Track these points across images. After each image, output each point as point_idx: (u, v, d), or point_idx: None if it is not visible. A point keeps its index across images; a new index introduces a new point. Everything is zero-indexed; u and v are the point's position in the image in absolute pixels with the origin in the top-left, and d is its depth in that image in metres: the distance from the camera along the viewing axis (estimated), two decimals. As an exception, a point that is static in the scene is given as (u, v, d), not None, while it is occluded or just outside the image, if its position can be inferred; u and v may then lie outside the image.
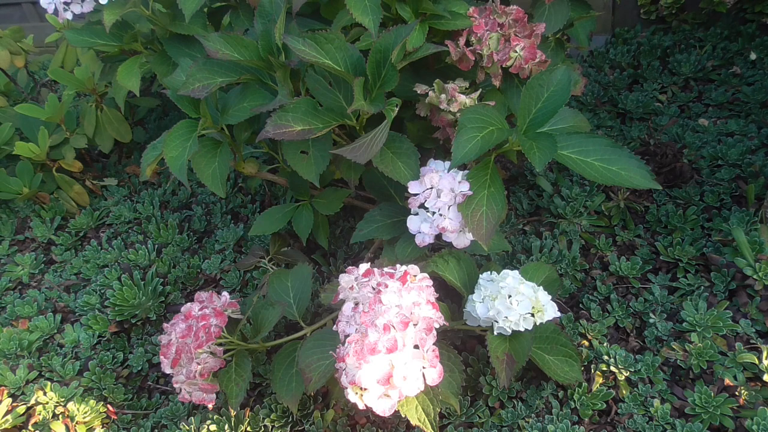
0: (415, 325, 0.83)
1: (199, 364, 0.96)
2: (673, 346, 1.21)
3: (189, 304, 1.05)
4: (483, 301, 0.97)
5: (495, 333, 0.98)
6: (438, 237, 1.03)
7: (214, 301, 1.04)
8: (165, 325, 1.04)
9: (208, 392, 1.01)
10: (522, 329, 0.95)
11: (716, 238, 1.37)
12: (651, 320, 1.27)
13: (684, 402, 1.14)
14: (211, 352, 0.98)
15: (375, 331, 0.80)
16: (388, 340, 0.79)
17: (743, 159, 1.55)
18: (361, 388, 0.81)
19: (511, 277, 0.98)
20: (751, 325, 1.20)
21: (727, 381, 1.14)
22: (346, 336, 0.84)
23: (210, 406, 1.04)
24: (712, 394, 1.11)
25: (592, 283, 1.38)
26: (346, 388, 0.82)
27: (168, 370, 0.99)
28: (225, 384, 1.05)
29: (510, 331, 0.97)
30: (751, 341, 1.19)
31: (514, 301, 0.94)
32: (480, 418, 1.18)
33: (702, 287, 1.30)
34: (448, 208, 0.99)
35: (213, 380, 1.02)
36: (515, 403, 1.19)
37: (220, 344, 1.01)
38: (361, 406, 0.82)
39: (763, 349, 1.16)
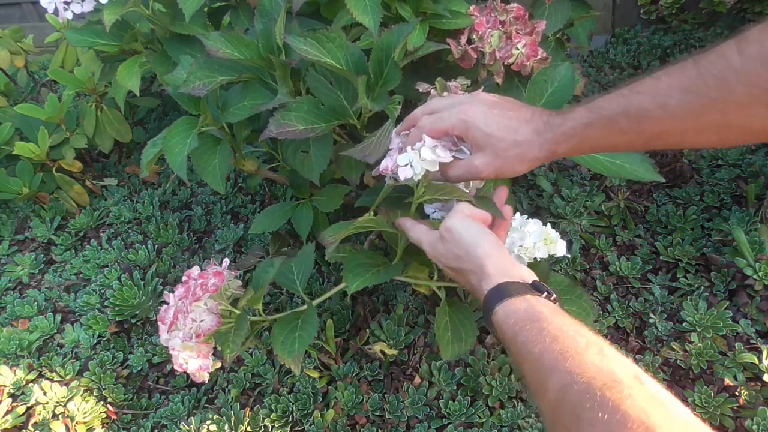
0: None
1: (194, 320, 0.91)
2: (673, 346, 1.21)
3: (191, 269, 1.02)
4: None
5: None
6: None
7: (213, 265, 1.01)
8: (166, 293, 1.01)
9: (204, 355, 0.94)
10: (537, 258, 0.95)
11: (716, 238, 1.37)
12: (651, 320, 1.26)
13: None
14: (208, 309, 0.93)
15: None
16: None
17: (743, 159, 1.55)
18: None
19: (518, 215, 0.99)
20: (751, 325, 1.20)
21: (727, 381, 1.14)
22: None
23: (206, 377, 0.99)
24: (712, 394, 1.11)
25: (592, 283, 1.38)
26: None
27: (164, 337, 0.93)
28: (221, 342, 0.98)
29: (526, 261, 0.96)
30: (751, 341, 1.19)
31: (526, 232, 0.95)
32: (480, 418, 1.18)
33: (702, 287, 1.30)
34: None
35: (209, 340, 0.95)
36: (515, 403, 1.19)
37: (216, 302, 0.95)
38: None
39: (763, 349, 1.16)
